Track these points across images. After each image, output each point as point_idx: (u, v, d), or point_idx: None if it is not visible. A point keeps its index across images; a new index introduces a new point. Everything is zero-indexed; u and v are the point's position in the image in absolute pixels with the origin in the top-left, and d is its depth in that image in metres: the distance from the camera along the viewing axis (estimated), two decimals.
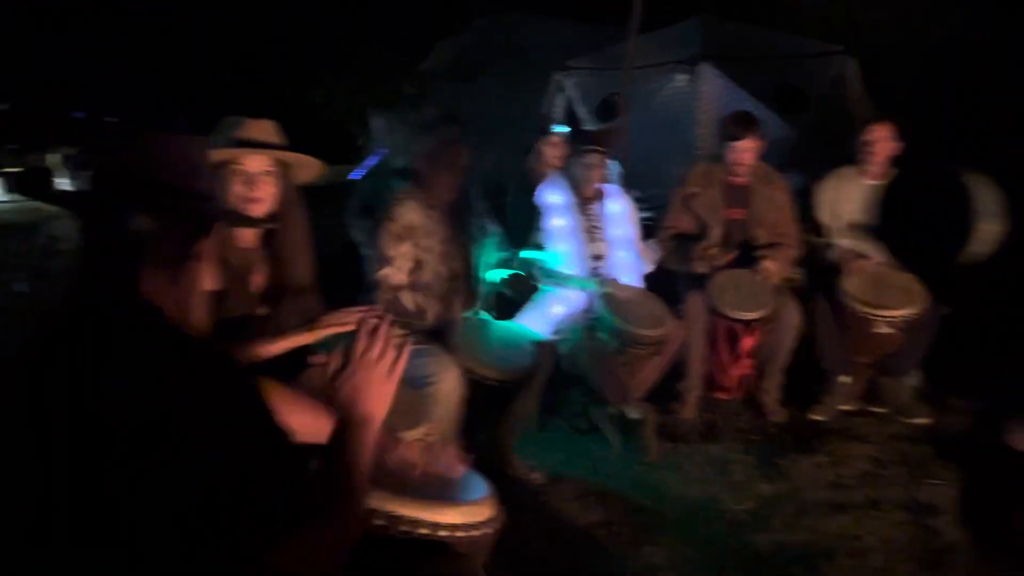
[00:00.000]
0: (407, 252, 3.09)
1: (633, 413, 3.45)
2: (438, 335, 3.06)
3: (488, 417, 3.12)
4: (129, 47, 19.05)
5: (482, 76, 9.49)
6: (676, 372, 3.71)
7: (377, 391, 1.31)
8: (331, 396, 1.32)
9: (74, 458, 1.04)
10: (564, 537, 2.85)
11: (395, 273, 3.07)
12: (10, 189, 11.05)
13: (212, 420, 1.09)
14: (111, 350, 1.10)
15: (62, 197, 1.46)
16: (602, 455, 3.47)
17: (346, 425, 1.29)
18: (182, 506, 1.03)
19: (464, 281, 3.28)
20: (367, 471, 1.28)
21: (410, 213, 3.11)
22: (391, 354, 1.34)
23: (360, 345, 1.32)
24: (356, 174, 7.62)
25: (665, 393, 3.72)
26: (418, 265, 3.12)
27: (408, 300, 3.08)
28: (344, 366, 1.33)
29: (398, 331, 1.36)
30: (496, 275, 3.48)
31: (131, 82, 18.94)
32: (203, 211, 1.31)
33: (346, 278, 3.33)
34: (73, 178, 10.38)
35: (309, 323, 2.20)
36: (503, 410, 3.15)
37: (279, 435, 1.23)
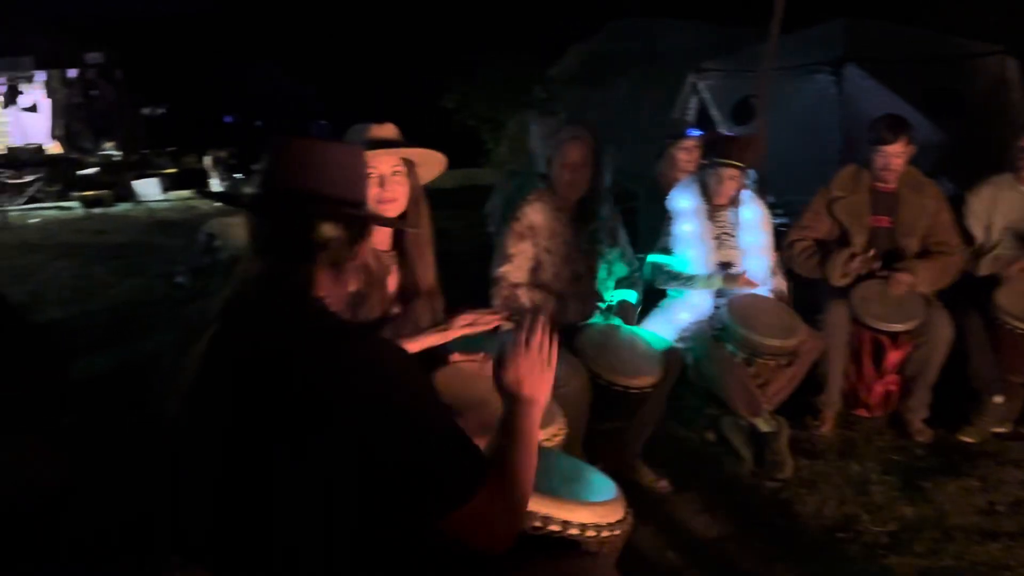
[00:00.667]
0: (527, 251, 3.13)
1: (764, 426, 3.33)
2: (566, 339, 3.06)
3: (615, 423, 3.09)
4: (271, 57, 20.20)
5: (613, 80, 9.46)
6: (814, 385, 3.56)
7: (539, 377, 1.44)
8: (498, 381, 1.44)
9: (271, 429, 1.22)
10: (690, 549, 2.79)
11: (514, 271, 3.11)
12: (166, 189, 11.83)
13: (404, 395, 1.26)
14: (304, 345, 1.25)
15: (239, 200, 1.63)
16: (731, 468, 3.37)
17: (514, 405, 1.41)
18: (379, 467, 1.20)
19: (588, 284, 3.28)
20: (535, 446, 1.40)
21: (535, 213, 3.16)
22: (548, 345, 1.46)
23: (523, 335, 1.44)
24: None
25: (802, 407, 3.57)
26: (538, 264, 3.15)
27: (525, 297, 3.10)
28: (506, 355, 1.45)
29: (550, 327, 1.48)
30: (618, 294, 3.44)
31: (274, 88, 20.06)
32: (365, 217, 1.43)
33: (475, 277, 3.39)
34: (223, 179, 11.04)
35: (437, 323, 2.26)
36: (630, 416, 3.12)
37: (445, 407, 1.35)
